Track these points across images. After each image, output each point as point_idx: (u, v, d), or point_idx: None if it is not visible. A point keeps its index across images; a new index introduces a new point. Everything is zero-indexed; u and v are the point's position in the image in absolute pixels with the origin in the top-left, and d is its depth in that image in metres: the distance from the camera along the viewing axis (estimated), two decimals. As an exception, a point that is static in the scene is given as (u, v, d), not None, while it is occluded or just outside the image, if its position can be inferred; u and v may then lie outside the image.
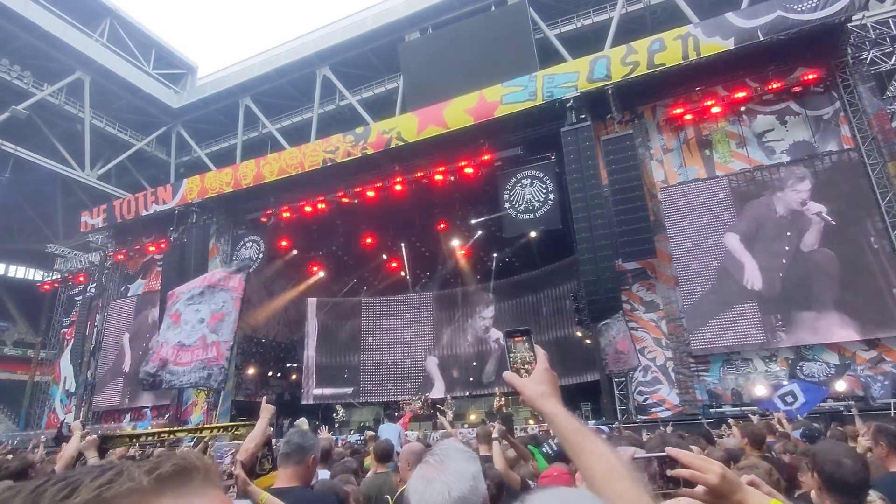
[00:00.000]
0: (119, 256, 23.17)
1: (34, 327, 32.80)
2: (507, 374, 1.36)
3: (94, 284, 24.20)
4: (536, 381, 1.29)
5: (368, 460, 5.28)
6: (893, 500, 2.26)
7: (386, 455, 4.41)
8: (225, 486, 3.04)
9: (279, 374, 25.01)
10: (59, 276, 26.65)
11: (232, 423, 5.07)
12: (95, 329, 23.03)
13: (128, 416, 21.03)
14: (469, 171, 17.21)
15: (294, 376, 25.53)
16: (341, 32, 26.44)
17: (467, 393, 23.88)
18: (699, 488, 1.17)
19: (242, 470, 2.67)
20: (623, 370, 13.96)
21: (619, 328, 13.64)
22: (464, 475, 1.33)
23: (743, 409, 12.04)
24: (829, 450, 2.35)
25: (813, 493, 2.36)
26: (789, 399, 9.13)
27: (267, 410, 3.48)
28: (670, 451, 1.20)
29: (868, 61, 14.38)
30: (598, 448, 1.13)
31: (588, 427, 1.17)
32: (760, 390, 12.31)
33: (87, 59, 26.86)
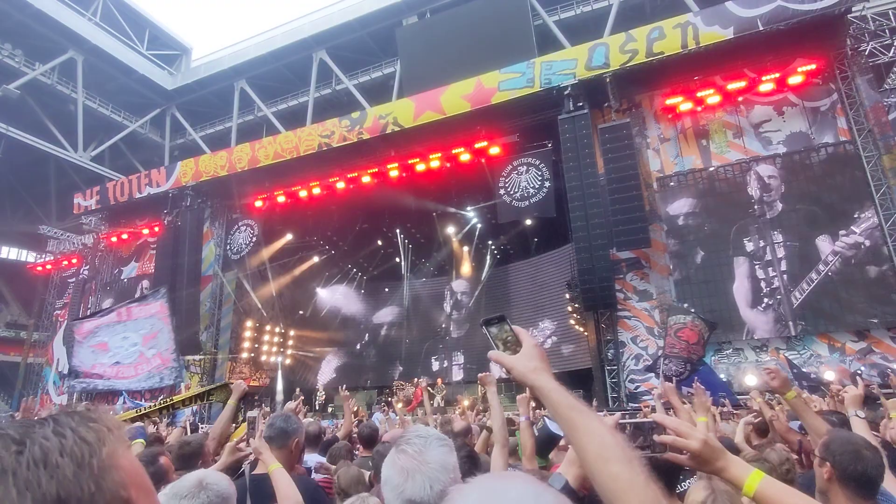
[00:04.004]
0: (112, 239, 23.05)
1: (27, 309, 32.64)
2: (493, 353, 1.29)
3: (88, 267, 24.10)
4: (526, 357, 1.23)
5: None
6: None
7: (370, 440, 4.40)
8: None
9: (272, 359, 25.05)
10: (51, 258, 26.49)
11: (205, 390, 5.11)
12: (89, 311, 22.97)
13: (121, 399, 21.04)
14: (465, 157, 17.13)
15: (288, 360, 25.59)
16: (339, 15, 26.09)
17: (461, 379, 24.03)
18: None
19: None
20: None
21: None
22: (445, 468, 1.29)
23: (733, 397, 12.14)
24: (846, 439, 2.19)
25: (820, 483, 2.19)
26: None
27: (237, 389, 3.49)
28: (656, 417, 1.24)
29: (867, 53, 14.33)
30: (592, 425, 1.06)
31: (584, 404, 1.11)
32: (751, 380, 12.43)
33: (80, 38, 26.44)
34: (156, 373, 18.39)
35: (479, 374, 3.39)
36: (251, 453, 2.83)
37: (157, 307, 18.74)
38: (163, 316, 18.58)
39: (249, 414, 3.01)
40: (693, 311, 11.40)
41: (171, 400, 5.38)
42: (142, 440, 3.93)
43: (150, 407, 5.83)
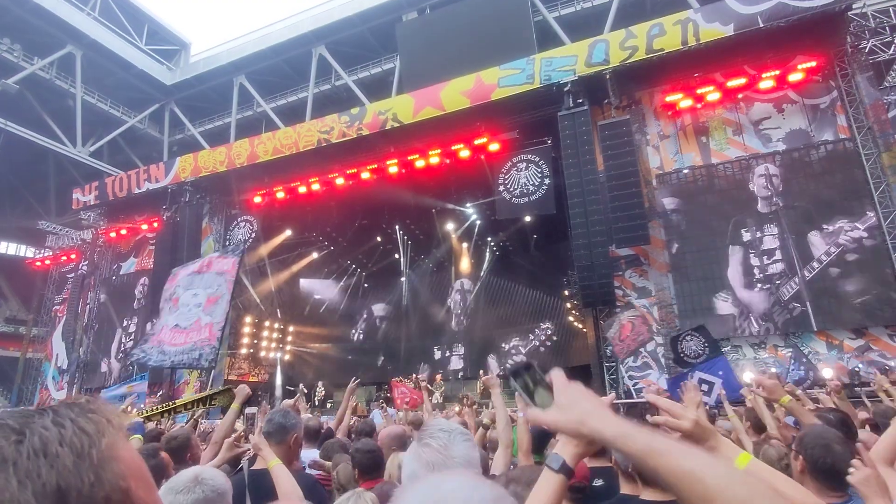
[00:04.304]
0: (111, 235, 23.03)
1: (26, 304, 32.66)
2: (530, 413, 1.13)
3: (87, 262, 24.08)
4: (566, 406, 1.07)
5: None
6: None
7: (366, 436, 4.41)
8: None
9: (271, 354, 25.08)
10: (50, 254, 26.47)
11: (207, 394, 5.09)
12: (87, 307, 22.97)
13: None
14: (465, 153, 17.12)
15: (287, 356, 25.61)
16: (338, 10, 26.03)
17: (459, 375, 24.05)
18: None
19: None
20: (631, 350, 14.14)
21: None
22: (470, 462, 1.29)
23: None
24: (818, 434, 2.29)
25: (794, 476, 2.27)
26: (704, 387, 8.77)
27: (240, 393, 3.49)
28: (650, 397, 1.26)
29: (867, 50, 14.31)
30: (706, 468, 0.84)
31: (673, 439, 0.93)
32: (749, 376, 12.45)
33: (79, 33, 26.37)
34: (198, 347, 16.41)
35: (483, 377, 3.38)
36: (249, 449, 2.84)
37: (230, 265, 16.99)
38: (230, 278, 16.81)
39: (248, 410, 3.02)
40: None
41: (174, 404, 5.37)
42: (139, 436, 3.93)
43: (152, 409, 5.82)
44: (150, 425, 5.71)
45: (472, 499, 0.74)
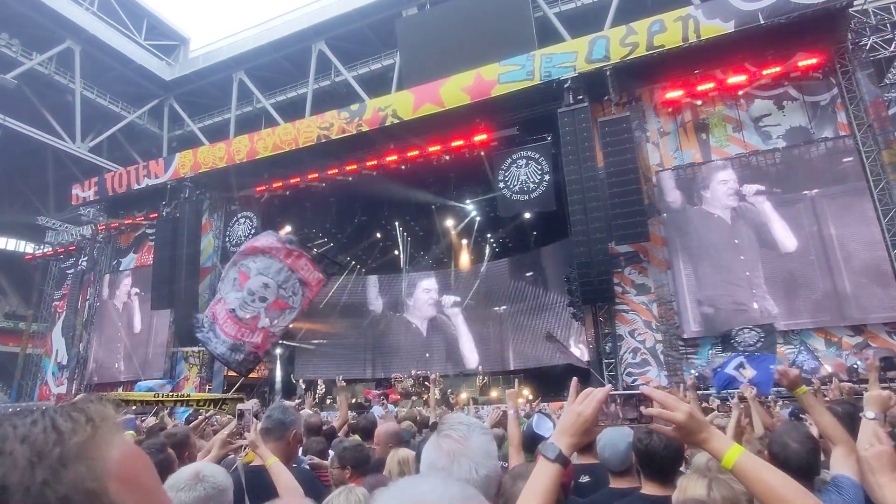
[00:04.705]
0: (110, 230, 22.99)
1: (26, 300, 32.65)
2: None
3: (86, 258, 24.07)
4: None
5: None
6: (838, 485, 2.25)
7: (367, 432, 4.42)
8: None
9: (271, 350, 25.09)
10: (50, 249, 26.46)
11: (220, 398, 5.11)
12: (87, 302, 22.97)
13: (120, 389, 21.09)
14: (465, 150, 17.10)
15: (287, 352, 25.62)
16: (337, 6, 25.93)
17: (459, 372, 24.09)
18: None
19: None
20: None
21: None
22: (489, 454, 1.32)
23: (730, 391, 12.23)
24: (782, 430, 2.36)
25: None
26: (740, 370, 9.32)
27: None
28: (644, 389, 1.28)
29: (868, 48, 14.28)
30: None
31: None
32: (748, 374, 12.45)
33: (78, 28, 26.29)
34: (244, 349, 13.49)
35: (508, 391, 3.58)
36: (242, 446, 2.82)
37: (315, 280, 14.21)
38: (311, 295, 14.15)
39: (239, 406, 3.01)
40: None
41: (189, 396, 5.38)
42: (132, 431, 3.94)
43: (166, 396, 5.83)
44: (150, 420, 5.74)
45: (443, 498, 0.78)
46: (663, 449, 2.22)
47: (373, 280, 26.88)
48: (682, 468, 2.43)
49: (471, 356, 24.31)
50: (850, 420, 2.85)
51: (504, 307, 24.71)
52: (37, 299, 28.59)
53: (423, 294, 26.15)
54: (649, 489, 2.27)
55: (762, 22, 13.55)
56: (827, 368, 12.07)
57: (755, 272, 13.64)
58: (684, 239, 14.60)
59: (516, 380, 21.05)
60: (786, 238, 13.49)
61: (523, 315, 23.83)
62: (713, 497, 1.62)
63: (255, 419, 2.87)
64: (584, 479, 2.91)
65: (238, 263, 14.00)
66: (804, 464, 2.17)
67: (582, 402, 1.32)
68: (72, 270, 24.81)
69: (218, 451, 2.93)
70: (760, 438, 4.25)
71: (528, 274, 23.95)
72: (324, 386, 21.79)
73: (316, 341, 26.20)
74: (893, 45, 14.61)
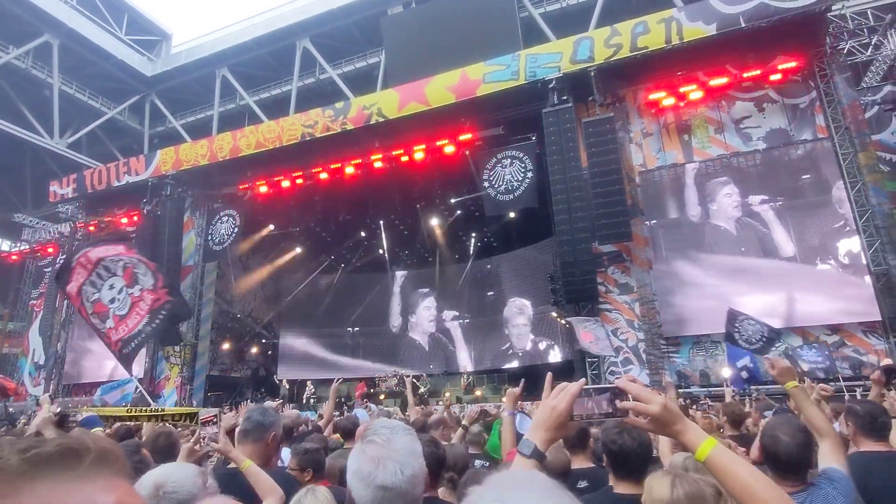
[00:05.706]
0: (90, 228, 22.59)
1: (2, 298, 31.92)
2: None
3: (64, 256, 23.60)
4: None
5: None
6: (858, 476, 2.26)
7: (348, 432, 4.41)
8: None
9: (254, 350, 24.91)
10: (27, 247, 25.91)
11: (196, 412, 5.05)
12: (65, 301, 22.53)
13: (98, 390, 20.74)
14: (450, 149, 17.08)
15: (270, 352, 25.48)
16: (323, 3, 25.70)
17: (444, 371, 24.13)
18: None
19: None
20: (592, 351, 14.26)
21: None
22: (414, 453, 1.33)
23: (710, 389, 12.43)
24: (774, 423, 2.35)
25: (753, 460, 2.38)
26: (744, 374, 9.49)
27: (227, 422, 3.41)
28: (619, 382, 1.28)
29: (845, 52, 14.55)
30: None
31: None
32: (727, 372, 12.63)
33: (56, 21, 25.73)
34: (157, 308, 13.32)
35: (508, 391, 3.20)
36: (209, 452, 2.76)
37: (122, 248, 14.99)
38: (127, 252, 13.57)
39: (202, 416, 2.93)
40: None
41: (163, 410, 5.30)
42: (100, 428, 3.90)
43: (139, 410, 5.75)
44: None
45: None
46: (637, 447, 2.24)
47: (355, 279, 26.81)
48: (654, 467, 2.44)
49: (466, 363, 24.50)
50: (871, 420, 2.88)
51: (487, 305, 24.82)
52: (13, 298, 27.99)
53: (425, 311, 26.31)
54: (622, 488, 2.28)
55: (743, 25, 13.75)
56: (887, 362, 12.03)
57: (752, 276, 13.79)
58: (682, 243, 14.70)
59: (498, 377, 21.11)
60: (785, 243, 13.66)
61: (507, 314, 23.94)
62: (677, 495, 1.63)
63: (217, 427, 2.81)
64: (583, 483, 2.86)
65: (81, 312, 13.06)
66: (796, 457, 2.15)
67: (556, 397, 1.32)
68: (49, 269, 24.32)
69: (184, 459, 2.86)
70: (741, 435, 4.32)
71: (511, 273, 24.07)
72: (313, 388, 21.65)
73: (299, 341, 26.05)
74: (870, 49, 14.92)
